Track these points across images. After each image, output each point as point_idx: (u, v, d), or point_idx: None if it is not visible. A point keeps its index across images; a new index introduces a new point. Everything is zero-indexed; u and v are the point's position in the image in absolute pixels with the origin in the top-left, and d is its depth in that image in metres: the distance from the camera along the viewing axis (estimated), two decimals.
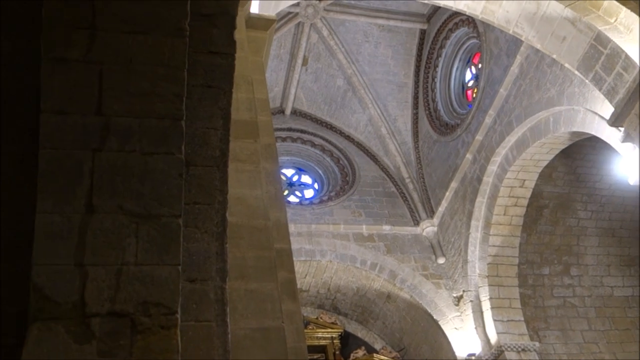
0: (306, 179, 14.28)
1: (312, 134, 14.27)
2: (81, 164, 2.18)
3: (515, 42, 10.21)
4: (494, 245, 11.14)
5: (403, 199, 13.32)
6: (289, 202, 12.99)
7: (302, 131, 14.23)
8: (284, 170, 14.09)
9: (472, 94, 12.60)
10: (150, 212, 2.20)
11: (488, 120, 11.13)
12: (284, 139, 14.06)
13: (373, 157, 13.98)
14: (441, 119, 13.00)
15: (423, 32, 13.18)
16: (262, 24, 5.25)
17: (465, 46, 12.81)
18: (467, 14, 8.17)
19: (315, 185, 14.17)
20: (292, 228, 11.51)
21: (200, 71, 2.63)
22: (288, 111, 14.27)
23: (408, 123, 13.67)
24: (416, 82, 13.48)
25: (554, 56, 7.76)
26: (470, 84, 12.90)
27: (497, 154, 10.86)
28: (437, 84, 13.15)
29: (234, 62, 2.69)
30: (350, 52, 13.36)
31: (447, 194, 12.33)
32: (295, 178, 14.24)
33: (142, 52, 2.37)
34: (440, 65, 13.04)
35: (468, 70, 12.94)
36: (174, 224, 2.24)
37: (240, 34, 4.66)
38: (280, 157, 13.64)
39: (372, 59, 13.42)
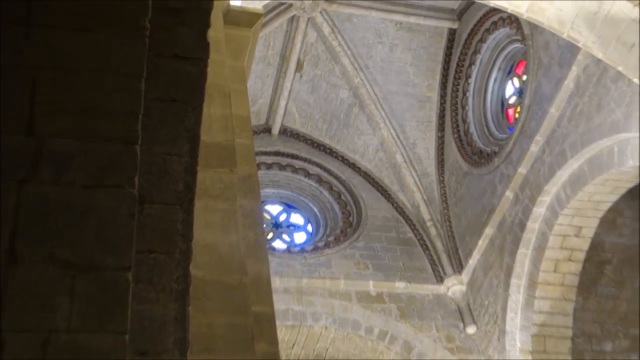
0: (297, 218, 14.42)
1: (306, 160, 14.45)
2: (4, 199, 2.15)
3: (570, 49, 10.33)
4: (540, 312, 11.16)
5: (423, 248, 13.39)
6: (273, 248, 13.14)
7: (293, 156, 14.42)
8: (268, 207, 14.18)
9: (514, 114, 12.79)
10: (90, 262, 2.18)
11: (534, 148, 11.27)
12: (269, 166, 14.19)
13: (385, 193, 14.16)
14: (474, 145, 13.21)
15: (453, 33, 13.39)
16: (245, 19, 5.29)
17: (506, 52, 13.03)
18: (509, 11, 8.30)
19: (309, 227, 14.32)
20: (276, 283, 11.51)
21: (162, 81, 2.64)
22: (276, 130, 14.50)
23: (431, 149, 13.90)
24: (442, 97, 13.76)
25: (620, 68, 7.87)
26: (512, 100, 13.07)
27: (545, 192, 10.95)
28: (470, 100, 13.42)
29: (207, 68, 2.70)
30: (358, 55, 13.55)
31: (480, 242, 12.41)
32: (282, 217, 14.35)
33: (89, 56, 2.36)
34: (473, 75, 13.32)
35: (509, 82, 13.13)
36: (121, 279, 2.22)
37: (217, 31, 4.66)
38: (264, 189, 13.72)
39: (386, 66, 13.69)
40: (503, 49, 12.99)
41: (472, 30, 13.06)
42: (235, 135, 4.36)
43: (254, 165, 4.59)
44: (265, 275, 3.94)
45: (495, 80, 13.24)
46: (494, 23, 12.71)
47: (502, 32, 12.78)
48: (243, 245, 3.74)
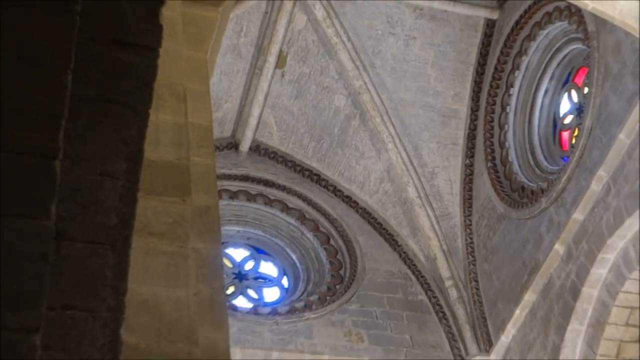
0: (268, 268, 14.45)
1: (284, 189, 14.50)
2: None
3: None
4: None
5: (439, 317, 13.43)
6: (234, 308, 13.07)
7: (267, 183, 14.47)
8: (230, 251, 14.19)
9: (571, 139, 12.87)
10: None
11: (596, 186, 11.29)
12: (233, 195, 14.26)
13: (390, 238, 14.28)
14: (514, 178, 13.23)
15: (491, 25, 13.54)
16: None
17: (562, 54, 13.13)
18: (567, 0, 8.35)
19: (284, 281, 14.30)
20: (236, 355, 11.51)
21: (96, 75, 2.64)
22: (245, 146, 14.61)
23: (456, 182, 14.03)
24: (474, 111, 13.93)
25: None
26: (567, 120, 13.12)
27: (609, 247, 10.97)
28: (511, 117, 13.52)
29: (157, 60, 2.71)
30: (362, 50, 13.61)
31: (518, 312, 12.46)
32: (249, 266, 14.35)
33: None
34: (517, 84, 13.43)
35: (565, 96, 13.20)
36: (24, 345, 2.21)
37: (172, 10, 4.67)
38: (225, 227, 13.72)
39: (400, 66, 13.81)
40: (558, 50, 13.05)
41: (517, 22, 13.15)
42: (191, 152, 4.37)
43: (215, 194, 4.60)
44: (223, 346, 3.92)
45: (547, 92, 13.28)
46: (548, 15, 12.78)
47: (557, 27, 12.82)
48: (194, 304, 3.75)
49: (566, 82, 13.19)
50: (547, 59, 13.20)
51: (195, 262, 4.01)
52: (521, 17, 13.11)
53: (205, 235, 4.27)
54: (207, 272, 4.11)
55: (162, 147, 4.22)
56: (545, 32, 13.02)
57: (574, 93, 13.06)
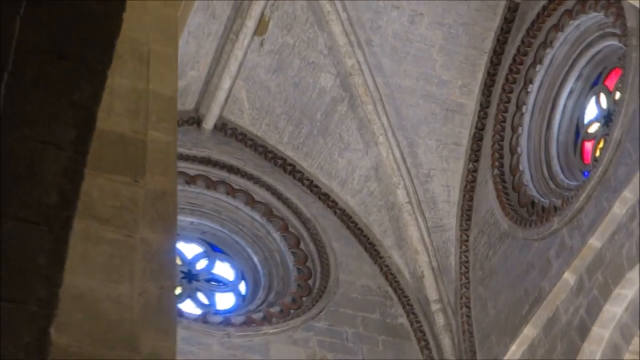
0: (224, 269, 14.38)
1: (251, 178, 14.45)
2: None
3: None
4: None
5: (421, 345, 13.40)
6: (180, 313, 12.93)
7: (231, 169, 14.42)
8: (180, 245, 14.09)
9: (594, 150, 12.83)
10: None
11: (619, 209, 11.30)
12: (191, 181, 14.13)
13: (371, 248, 14.19)
14: (524, 191, 13.17)
15: (513, 9, 13.58)
16: None
17: (593, 51, 13.09)
18: None
19: (241, 287, 14.24)
20: None
21: (45, 23, 2.63)
22: (209, 123, 14.58)
23: (454, 188, 13.96)
24: (483, 107, 13.86)
25: None
26: (592, 129, 13.10)
27: (628, 282, 11.02)
28: (526, 118, 13.50)
29: (123, 11, 2.73)
30: (359, 23, 13.59)
31: (514, 348, 12.37)
32: (201, 264, 14.28)
33: None
34: (537, 80, 13.41)
35: (593, 100, 13.17)
36: None
37: None
38: (178, 216, 13.18)
39: (401, 46, 13.76)
40: (590, 45, 13.00)
41: (544, 8, 13.13)
42: (149, 125, 4.36)
43: (174, 178, 4.59)
44: (168, 357, 3.89)
45: (571, 93, 13.26)
46: (581, 2, 12.74)
47: (591, 18, 12.76)
48: (139, 305, 3.73)
49: (595, 84, 13.16)
50: (575, 55, 13.15)
51: (144, 255, 3.97)
52: (550, 1, 13.09)
53: (157, 225, 4.21)
54: (156, 269, 4.05)
55: (116, 115, 4.19)
56: (577, 22, 12.93)
57: (603, 97, 13.00)
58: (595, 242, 11.56)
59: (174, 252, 4.44)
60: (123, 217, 3.89)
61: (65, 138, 2.62)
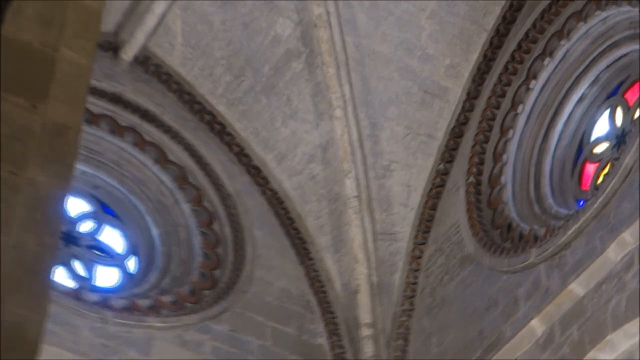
0: (113, 237, 14.56)
1: (168, 131, 14.52)
2: None
3: None
4: None
5: None
6: (55, 285, 12.73)
7: (146, 115, 14.48)
8: (70, 200, 13.96)
9: (597, 175, 12.90)
10: None
11: (614, 253, 11.20)
12: (93, 120, 14.16)
13: (300, 244, 14.30)
14: (501, 209, 13.23)
15: None
16: None
17: (617, 54, 12.96)
18: None
19: (130, 263, 14.35)
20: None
21: None
22: (129, 54, 14.58)
23: (417, 190, 13.99)
24: (471, 97, 13.96)
25: None
26: (599, 148, 13.14)
27: (607, 345, 10.97)
28: (521, 121, 13.44)
29: None
30: None
31: None
32: (86, 227, 14.49)
33: None
34: (543, 76, 13.36)
35: (606, 113, 13.13)
36: None
37: None
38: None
39: (384, 3, 13.76)
40: (615, 45, 12.76)
41: None
42: (63, 41, 4.68)
43: (81, 111, 4.91)
44: (34, 332, 4.11)
45: (582, 99, 13.10)
46: None
47: (623, 13, 12.44)
48: (10, 260, 4.07)
49: (613, 94, 12.97)
50: (595, 54, 12.92)
51: (28, 200, 4.31)
52: None
53: (52, 166, 4.52)
54: (40, 219, 4.36)
55: (23, 20, 4.53)
56: (604, 15, 12.63)
57: (619, 113, 12.79)
58: (577, 288, 11.50)
59: (64, 203, 4.78)
60: (11, 148, 4.28)
61: None
